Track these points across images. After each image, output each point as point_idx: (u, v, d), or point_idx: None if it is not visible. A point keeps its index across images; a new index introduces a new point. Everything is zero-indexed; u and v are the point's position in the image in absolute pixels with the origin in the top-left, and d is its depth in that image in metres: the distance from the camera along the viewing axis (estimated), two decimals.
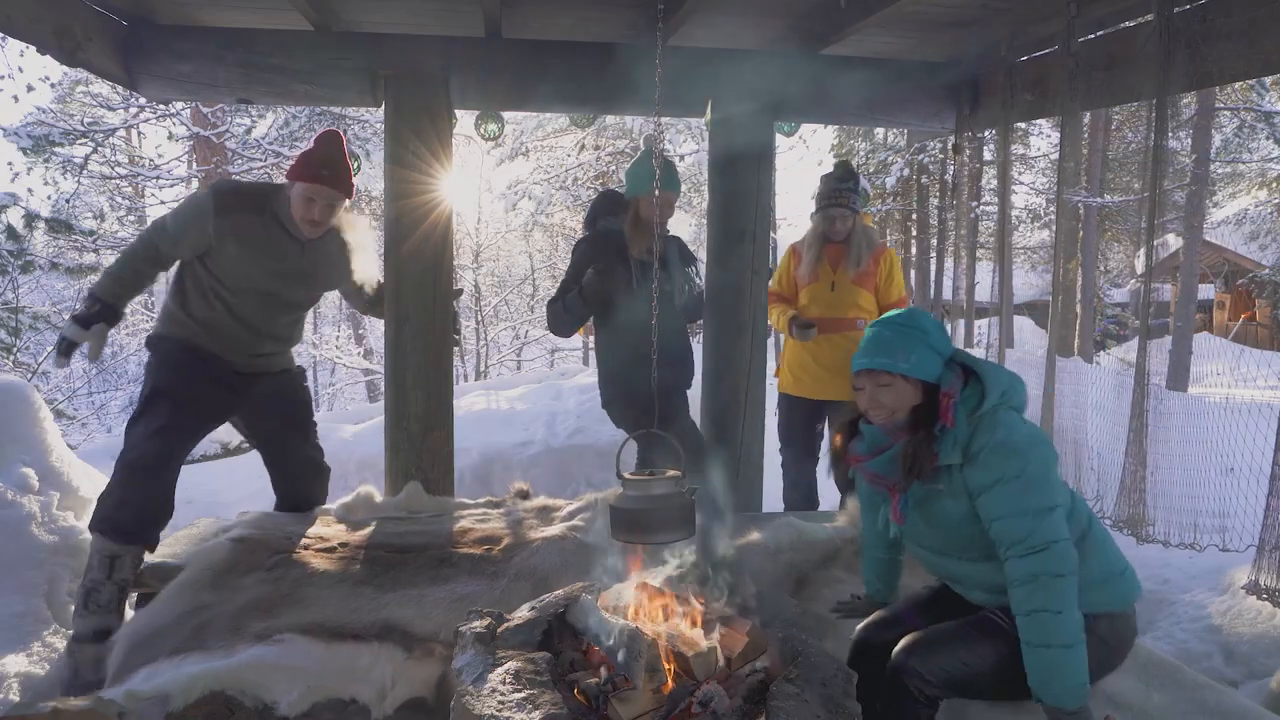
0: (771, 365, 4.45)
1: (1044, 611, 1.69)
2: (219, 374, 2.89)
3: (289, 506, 3.19)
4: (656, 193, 2.98)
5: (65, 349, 2.74)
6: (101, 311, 2.76)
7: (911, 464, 1.84)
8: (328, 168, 2.82)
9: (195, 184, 12.78)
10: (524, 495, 3.59)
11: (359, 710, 2.16)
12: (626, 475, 1.81)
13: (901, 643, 1.86)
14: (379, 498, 3.37)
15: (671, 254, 3.37)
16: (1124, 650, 1.87)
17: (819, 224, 3.70)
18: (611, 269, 3.22)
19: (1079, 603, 1.74)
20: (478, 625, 1.84)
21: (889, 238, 18.49)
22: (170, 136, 12.18)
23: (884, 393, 1.88)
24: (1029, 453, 1.78)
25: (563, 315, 3.30)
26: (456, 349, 3.31)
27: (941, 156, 14.36)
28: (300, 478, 3.18)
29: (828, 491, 3.79)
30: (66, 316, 2.87)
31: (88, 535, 3.42)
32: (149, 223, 2.71)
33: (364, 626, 2.34)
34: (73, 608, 3.11)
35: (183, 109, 11.47)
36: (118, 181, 14.64)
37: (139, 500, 2.62)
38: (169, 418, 2.70)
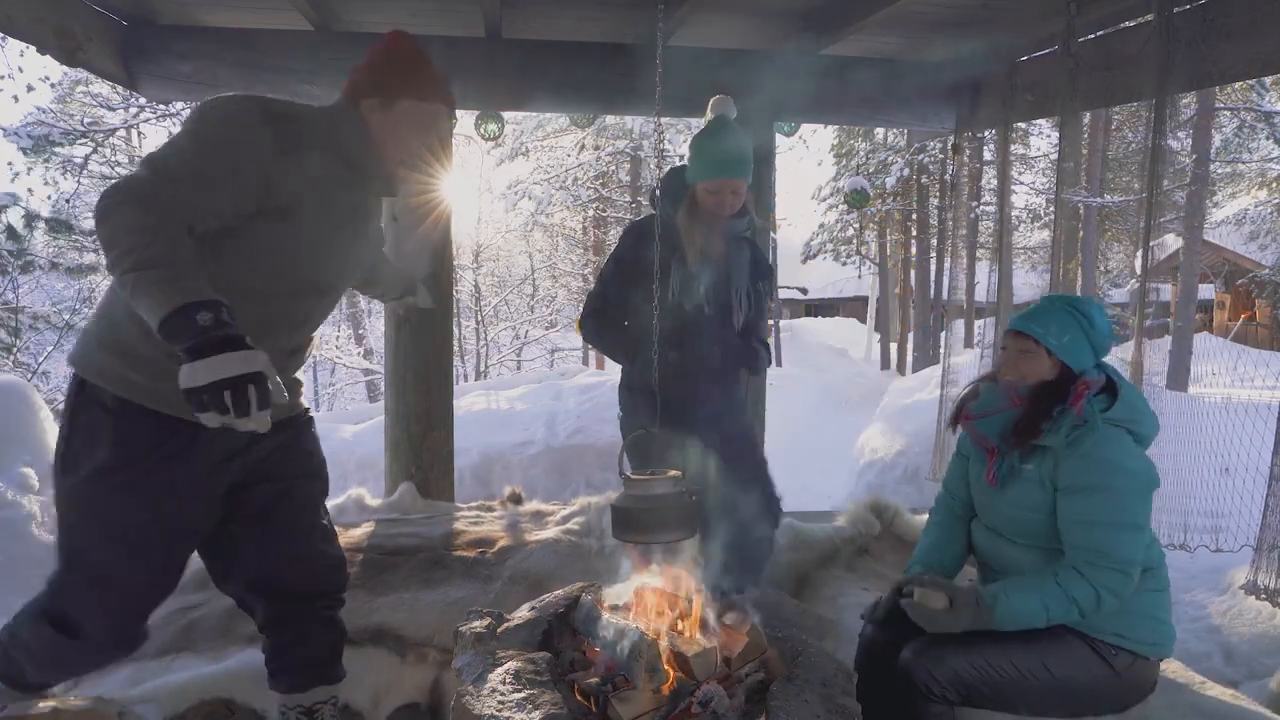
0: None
1: (1075, 606, 1.74)
2: (210, 460, 1.68)
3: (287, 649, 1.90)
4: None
5: (243, 398, 1.36)
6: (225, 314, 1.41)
7: (1018, 429, 1.88)
8: (445, 84, 1.89)
9: None
10: (517, 500, 3.60)
11: (352, 715, 2.16)
12: (628, 475, 1.80)
13: (912, 644, 1.85)
14: (370, 500, 3.37)
15: (734, 260, 2.61)
16: (1139, 694, 1.86)
17: None
18: (650, 266, 2.45)
19: (1113, 628, 1.79)
20: (478, 625, 1.84)
21: (889, 237, 18.51)
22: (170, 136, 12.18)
23: (1024, 359, 1.90)
24: (1130, 473, 1.79)
25: (600, 343, 2.74)
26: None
27: (941, 156, 14.37)
28: (308, 575, 1.88)
29: None
30: (183, 351, 1.35)
31: None
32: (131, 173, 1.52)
33: (356, 631, 2.34)
34: None
35: (183, 109, 11.46)
36: None
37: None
38: (142, 589, 1.68)
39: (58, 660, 1.73)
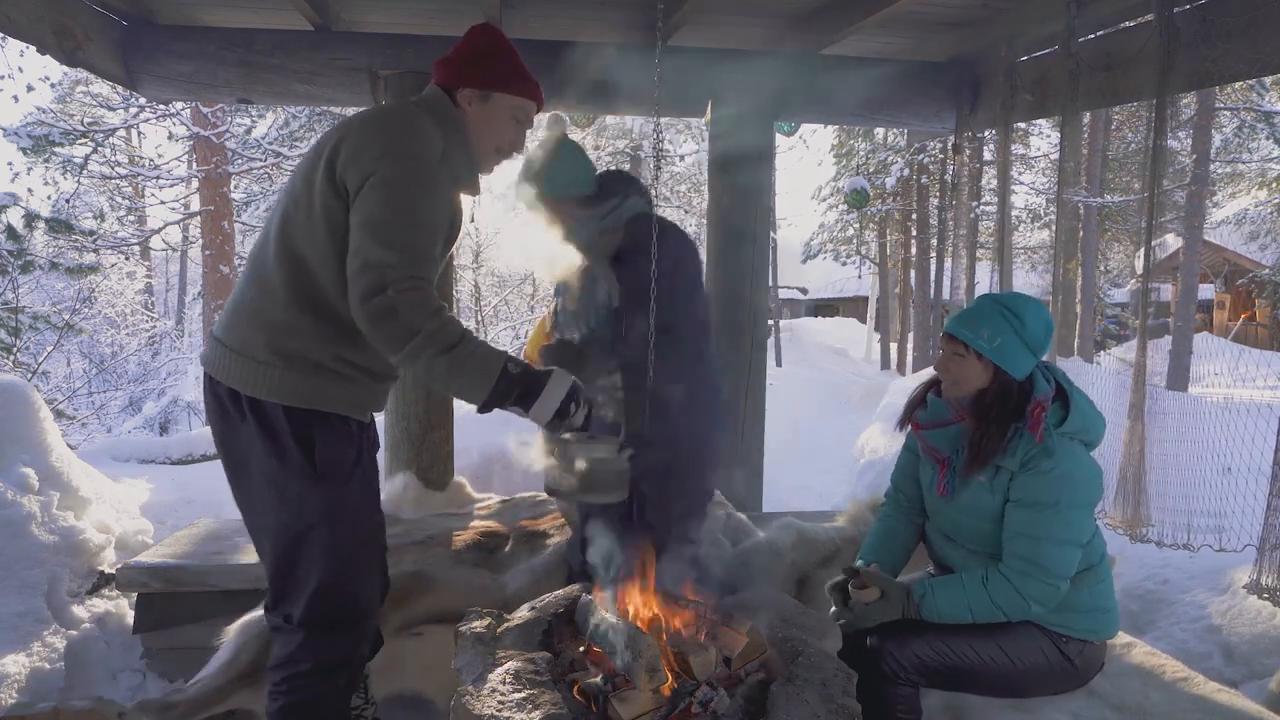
0: (771, 365, 4.44)
1: (1000, 611, 1.82)
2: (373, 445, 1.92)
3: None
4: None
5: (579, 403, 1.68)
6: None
7: (977, 451, 1.86)
8: (537, 82, 1.92)
9: (195, 184, 12.80)
10: None
11: None
12: (566, 436, 1.78)
13: (877, 630, 1.92)
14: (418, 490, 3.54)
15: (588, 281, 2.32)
16: (1089, 674, 1.97)
17: None
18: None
19: (1062, 622, 1.89)
20: (477, 625, 1.84)
21: (889, 237, 18.50)
22: (170, 136, 12.19)
23: (954, 362, 1.89)
24: (1081, 488, 1.82)
25: None
26: None
27: (941, 156, 14.36)
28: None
29: None
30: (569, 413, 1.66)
31: (88, 535, 3.43)
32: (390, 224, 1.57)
33: (501, 607, 2.39)
34: (74, 608, 3.11)
35: (183, 109, 11.47)
36: (118, 181, 14.67)
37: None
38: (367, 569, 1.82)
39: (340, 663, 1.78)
